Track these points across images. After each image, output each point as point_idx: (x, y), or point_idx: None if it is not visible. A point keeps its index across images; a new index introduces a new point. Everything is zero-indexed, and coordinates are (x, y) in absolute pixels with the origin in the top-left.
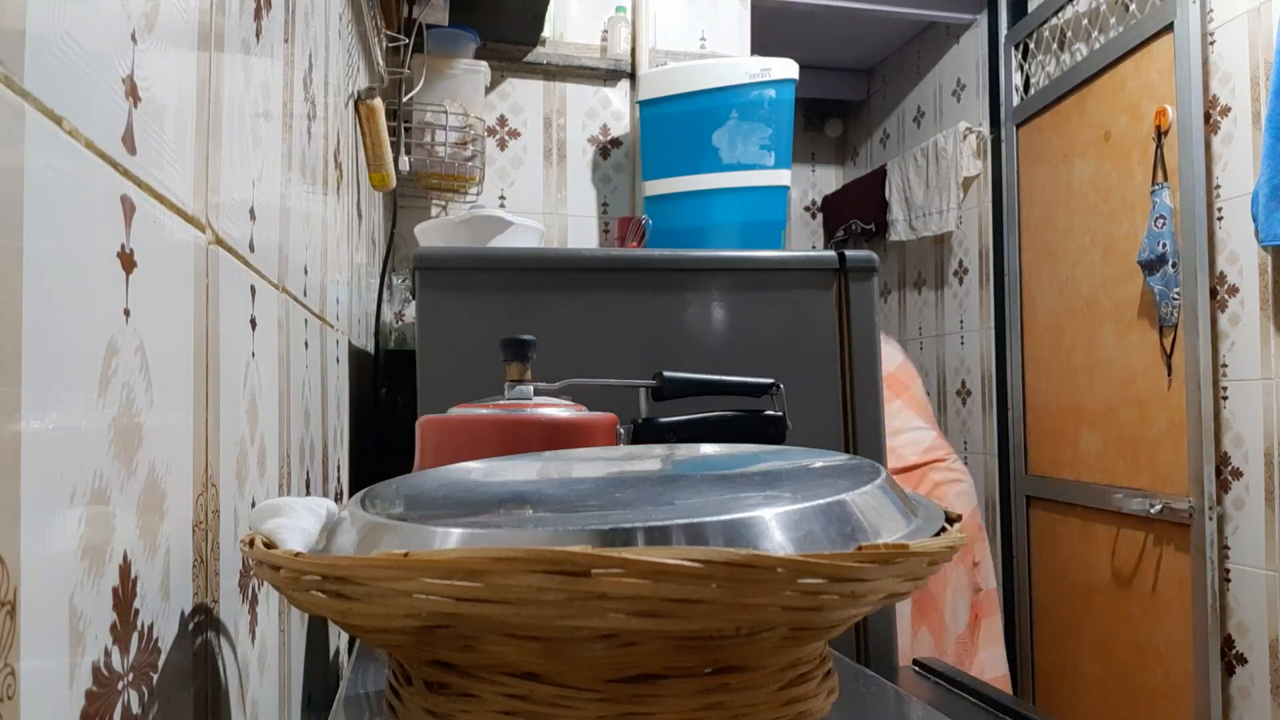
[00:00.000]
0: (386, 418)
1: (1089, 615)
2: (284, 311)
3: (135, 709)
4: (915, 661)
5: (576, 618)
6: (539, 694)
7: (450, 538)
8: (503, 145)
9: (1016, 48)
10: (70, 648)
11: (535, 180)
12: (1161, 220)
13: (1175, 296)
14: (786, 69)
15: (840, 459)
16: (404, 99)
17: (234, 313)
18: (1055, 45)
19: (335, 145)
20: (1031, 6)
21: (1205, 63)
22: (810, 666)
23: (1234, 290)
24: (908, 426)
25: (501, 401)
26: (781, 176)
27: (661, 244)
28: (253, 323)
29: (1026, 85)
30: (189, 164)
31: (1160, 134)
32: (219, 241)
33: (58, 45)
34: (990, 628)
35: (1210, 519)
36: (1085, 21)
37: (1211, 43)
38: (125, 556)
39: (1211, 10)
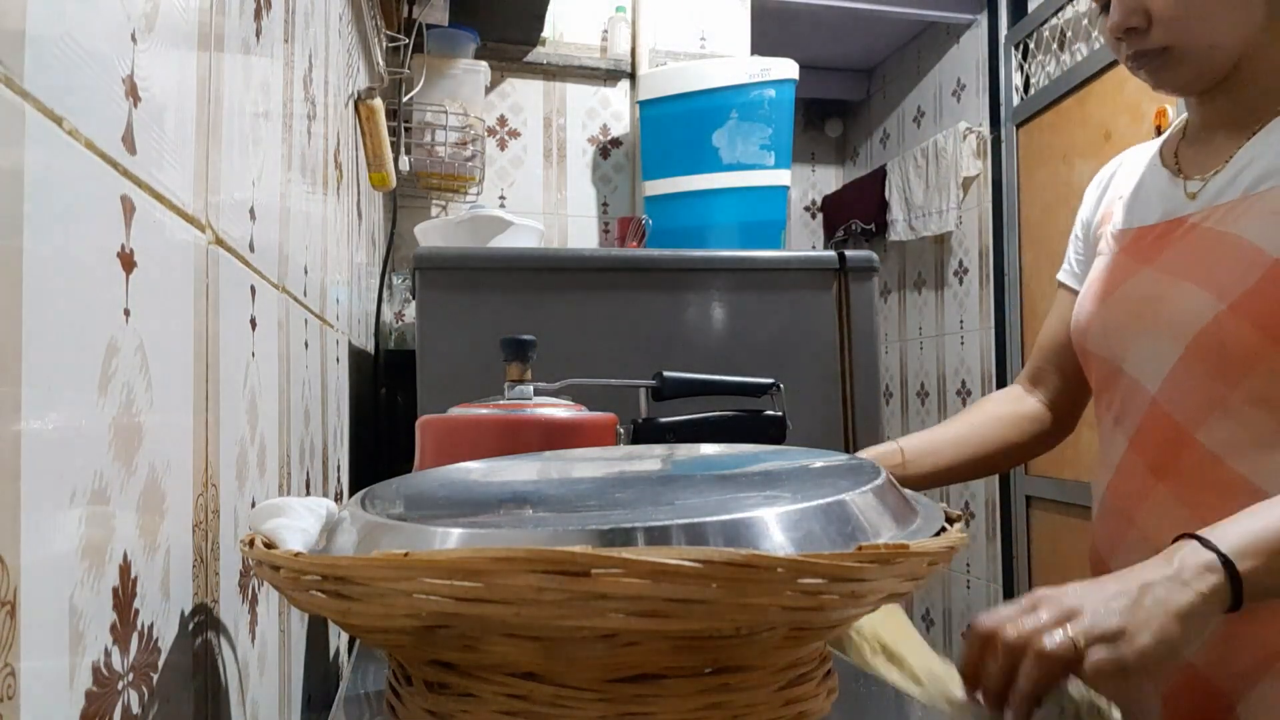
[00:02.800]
0: (386, 418)
1: None
2: (284, 311)
3: (135, 709)
4: None
5: (576, 618)
6: (539, 694)
7: (450, 538)
8: (503, 145)
9: (1016, 48)
10: (70, 648)
11: (535, 180)
12: None
13: None
14: (786, 69)
15: (840, 459)
16: (404, 99)
17: (234, 312)
18: (1055, 45)
19: (335, 145)
20: (1031, 6)
21: None
22: (810, 666)
23: None
24: None
25: (501, 401)
26: (781, 176)
27: (661, 244)
28: (253, 322)
29: (1026, 85)
30: (189, 164)
31: (1160, 134)
32: (219, 241)
33: (58, 45)
34: None
35: None
36: (1085, 21)
37: None
38: (125, 556)
39: None
